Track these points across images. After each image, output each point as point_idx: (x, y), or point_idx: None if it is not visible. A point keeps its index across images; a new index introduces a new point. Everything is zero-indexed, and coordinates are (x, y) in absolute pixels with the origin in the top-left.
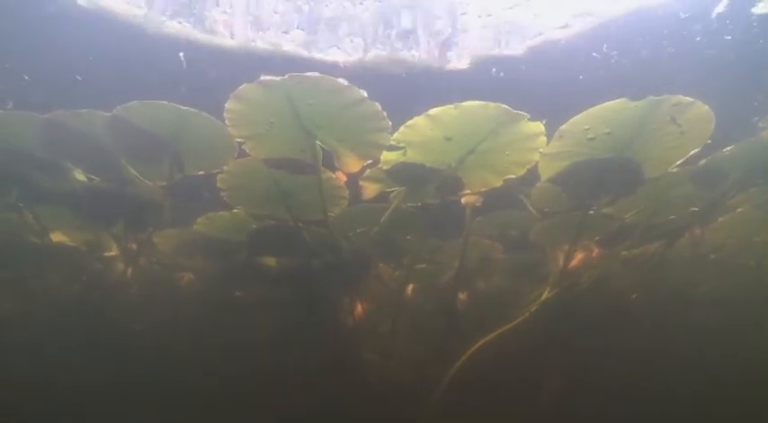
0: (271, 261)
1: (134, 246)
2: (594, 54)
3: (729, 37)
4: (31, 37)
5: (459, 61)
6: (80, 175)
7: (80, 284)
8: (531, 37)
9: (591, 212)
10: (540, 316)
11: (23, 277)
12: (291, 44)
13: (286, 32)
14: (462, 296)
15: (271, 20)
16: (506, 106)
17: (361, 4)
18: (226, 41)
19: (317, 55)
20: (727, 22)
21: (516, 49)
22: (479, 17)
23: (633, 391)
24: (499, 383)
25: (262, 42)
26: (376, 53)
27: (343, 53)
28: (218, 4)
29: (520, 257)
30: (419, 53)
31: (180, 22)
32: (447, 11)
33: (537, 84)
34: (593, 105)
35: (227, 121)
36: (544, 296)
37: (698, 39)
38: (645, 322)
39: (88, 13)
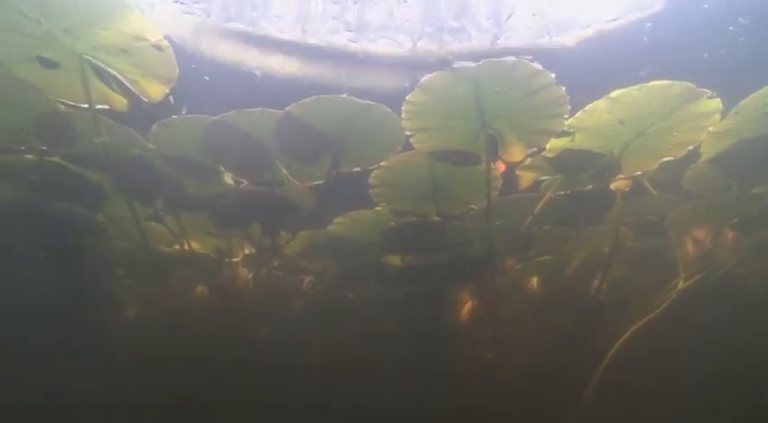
0: (395, 260)
1: (263, 250)
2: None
3: None
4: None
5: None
6: (229, 179)
7: (204, 291)
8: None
9: (739, 194)
10: (678, 306)
11: (150, 285)
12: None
13: (336, 33)
14: (595, 287)
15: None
16: (690, 84)
17: (405, 1)
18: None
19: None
20: None
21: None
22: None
23: None
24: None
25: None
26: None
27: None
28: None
29: (652, 244)
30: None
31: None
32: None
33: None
34: None
35: (404, 114)
36: (681, 285)
37: None
38: None
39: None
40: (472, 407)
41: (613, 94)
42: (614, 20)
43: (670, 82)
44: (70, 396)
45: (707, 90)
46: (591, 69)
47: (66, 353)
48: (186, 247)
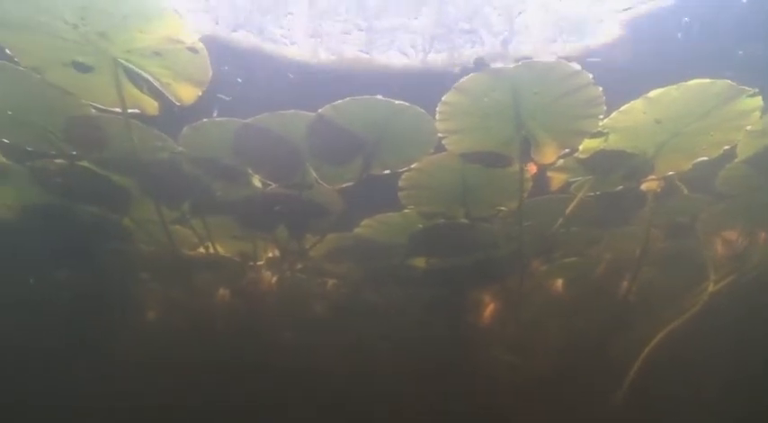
0: (419, 262)
1: (289, 254)
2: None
3: None
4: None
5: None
6: (257, 182)
7: (228, 294)
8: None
9: None
10: (708, 309)
11: (173, 288)
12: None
13: (347, 33)
14: (624, 289)
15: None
16: (731, 82)
17: (416, 19)
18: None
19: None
20: None
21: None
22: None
23: None
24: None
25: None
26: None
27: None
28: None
29: (682, 245)
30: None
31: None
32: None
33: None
34: None
35: (438, 115)
36: (711, 288)
37: None
38: None
39: None
40: (496, 411)
41: (651, 93)
42: (627, 9)
43: (710, 80)
44: (90, 398)
45: (747, 88)
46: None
47: (86, 355)
48: (211, 250)
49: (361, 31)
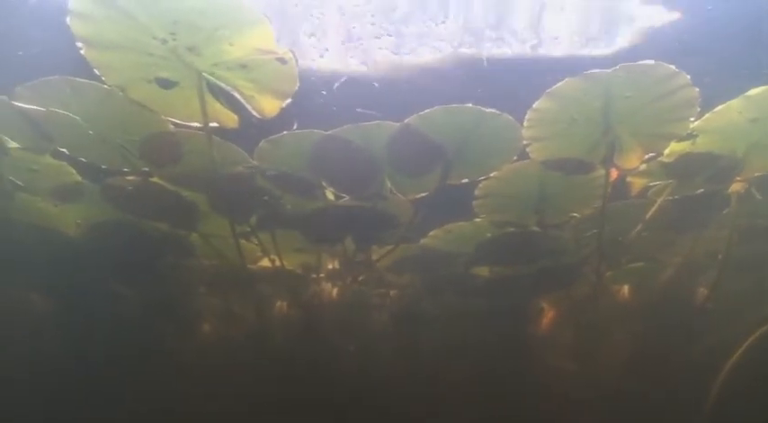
0: (483, 271)
1: (354, 265)
2: None
3: None
4: None
5: None
6: (330, 195)
7: (290, 307)
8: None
9: None
10: None
11: (236, 302)
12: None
13: (378, 38)
14: (703, 296)
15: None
16: None
17: (443, 22)
18: None
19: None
20: None
21: None
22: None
23: None
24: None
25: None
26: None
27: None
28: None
29: (761, 249)
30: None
31: None
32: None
33: None
34: None
35: (526, 122)
36: None
37: None
38: None
39: None
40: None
41: (751, 92)
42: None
43: None
44: (150, 411)
45: None
46: None
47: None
48: (277, 263)
49: (390, 35)
